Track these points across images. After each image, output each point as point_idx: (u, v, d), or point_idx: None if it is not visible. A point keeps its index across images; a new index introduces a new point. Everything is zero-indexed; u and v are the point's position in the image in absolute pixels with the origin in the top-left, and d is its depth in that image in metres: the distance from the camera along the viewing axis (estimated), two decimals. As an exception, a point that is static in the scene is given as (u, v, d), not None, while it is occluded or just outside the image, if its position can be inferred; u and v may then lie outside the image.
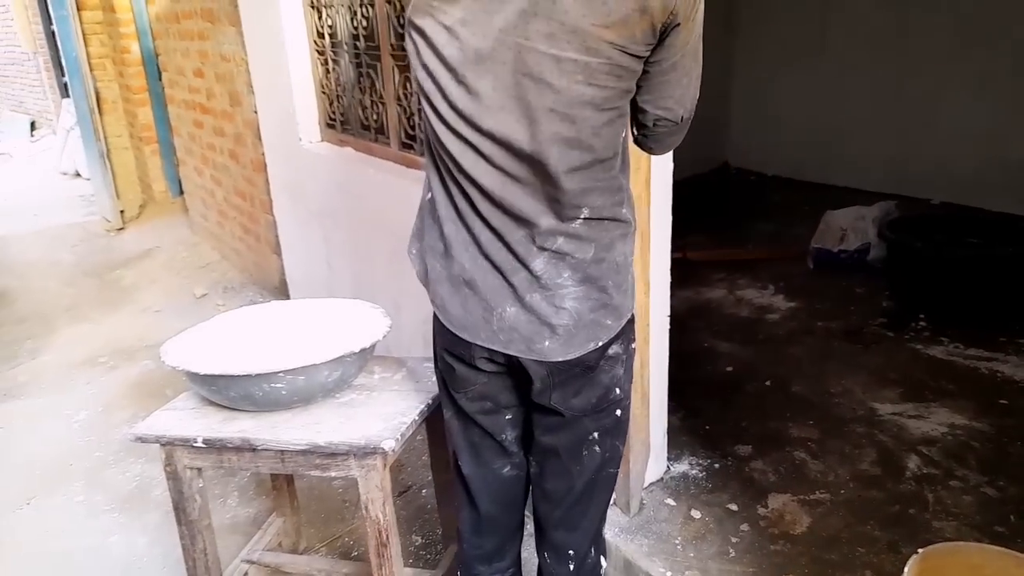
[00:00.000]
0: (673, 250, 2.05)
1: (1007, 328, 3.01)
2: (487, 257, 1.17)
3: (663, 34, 1.04)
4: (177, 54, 4.51)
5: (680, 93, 1.14)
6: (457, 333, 1.22)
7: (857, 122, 4.89)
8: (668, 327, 2.10)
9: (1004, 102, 4.17)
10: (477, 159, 1.11)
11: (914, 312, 3.21)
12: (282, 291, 3.81)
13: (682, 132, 1.24)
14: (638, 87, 1.11)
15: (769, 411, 2.59)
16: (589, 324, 1.17)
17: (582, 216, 1.13)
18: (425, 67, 1.11)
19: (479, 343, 1.21)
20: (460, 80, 1.08)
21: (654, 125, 1.18)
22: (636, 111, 1.17)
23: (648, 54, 1.06)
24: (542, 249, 1.14)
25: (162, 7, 4.50)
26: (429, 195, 1.24)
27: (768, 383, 2.78)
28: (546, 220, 1.13)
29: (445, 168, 1.17)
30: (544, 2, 1.00)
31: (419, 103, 1.18)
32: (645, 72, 1.09)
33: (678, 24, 1.03)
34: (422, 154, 2.34)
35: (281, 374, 1.46)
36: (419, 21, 1.10)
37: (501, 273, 1.16)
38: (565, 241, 1.14)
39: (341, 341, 1.60)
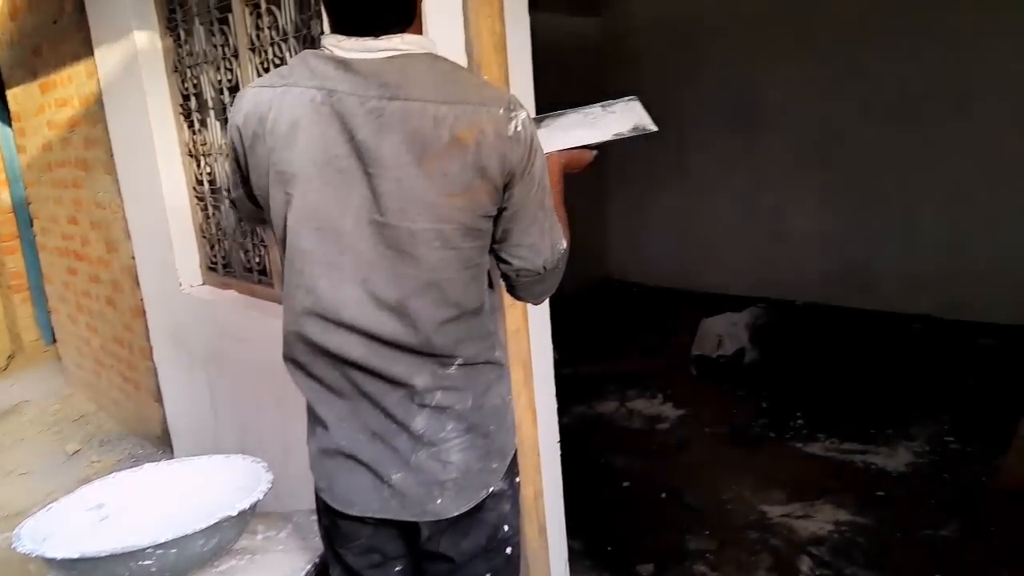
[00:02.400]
0: (563, 366, 2.11)
1: (874, 420, 3.23)
2: (365, 427, 1.16)
3: (505, 190, 1.10)
4: (50, 202, 4.38)
5: (531, 242, 1.17)
6: (345, 511, 1.19)
7: (720, 234, 5.32)
8: (559, 454, 2.12)
9: (841, 210, 4.68)
10: (342, 334, 1.12)
11: (791, 411, 3.40)
12: (164, 441, 3.59)
13: (550, 281, 1.26)
14: (492, 236, 1.16)
15: (667, 524, 2.63)
16: (478, 472, 1.18)
17: (456, 364, 1.15)
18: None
19: (370, 515, 1.18)
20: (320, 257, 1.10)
21: (517, 275, 1.21)
22: (498, 261, 1.20)
23: (496, 211, 1.12)
24: (422, 406, 1.14)
25: (34, 156, 4.41)
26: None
27: (664, 495, 2.83)
28: (422, 378, 1.13)
29: (308, 350, 1.15)
30: (388, 183, 1.06)
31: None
32: (494, 221, 1.14)
33: (513, 177, 1.10)
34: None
35: (150, 550, 1.37)
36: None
37: (382, 440, 1.15)
38: (444, 395, 1.15)
39: (218, 504, 1.52)
